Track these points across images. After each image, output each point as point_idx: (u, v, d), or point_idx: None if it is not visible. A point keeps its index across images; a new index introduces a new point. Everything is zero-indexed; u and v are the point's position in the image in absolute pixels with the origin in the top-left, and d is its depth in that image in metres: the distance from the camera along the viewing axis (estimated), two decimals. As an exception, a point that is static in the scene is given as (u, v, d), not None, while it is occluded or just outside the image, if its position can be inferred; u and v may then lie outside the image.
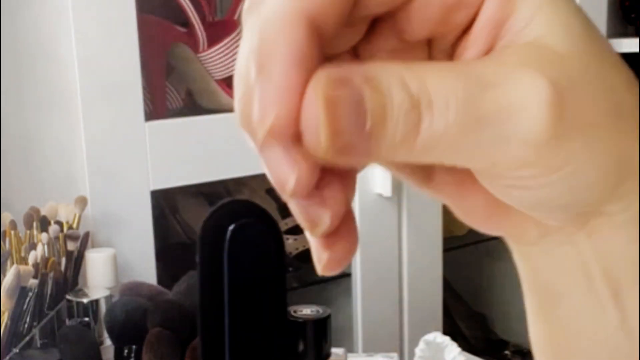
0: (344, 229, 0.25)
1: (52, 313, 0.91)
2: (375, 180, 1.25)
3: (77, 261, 0.97)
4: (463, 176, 0.27)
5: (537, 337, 0.30)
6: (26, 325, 0.86)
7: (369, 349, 1.28)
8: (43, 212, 0.97)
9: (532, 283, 0.29)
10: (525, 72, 0.23)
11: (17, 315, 0.84)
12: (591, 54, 0.24)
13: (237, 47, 1.18)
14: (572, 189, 0.24)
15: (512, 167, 0.24)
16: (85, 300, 0.89)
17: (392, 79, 0.22)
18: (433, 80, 0.23)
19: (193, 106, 1.24)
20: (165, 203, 1.35)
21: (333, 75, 0.22)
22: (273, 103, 0.22)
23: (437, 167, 0.28)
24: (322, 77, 0.22)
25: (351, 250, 0.25)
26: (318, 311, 0.76)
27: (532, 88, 0.23)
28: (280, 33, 0.22)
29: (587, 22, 0.25)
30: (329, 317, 0.76)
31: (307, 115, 0.22)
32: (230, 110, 1.01)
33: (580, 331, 0.28)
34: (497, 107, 0.23)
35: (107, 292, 0.92)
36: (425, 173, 0.28)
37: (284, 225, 1.36)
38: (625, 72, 0.25)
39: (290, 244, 1.34)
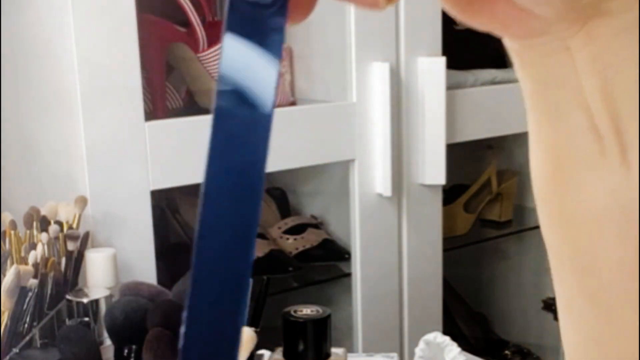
0: None
1: (52, 313, 0.91)
2: (375, 180, 1.25)
3: (77, 261, 0.97)
4: None
5: (535, 162, 0.28)
6: (26, 325, 0.86)
7: (369, 349, 1.28)
8: (43, 212, 0.97)
9: (531, 98, 0.27)
10: None
11: (17, 315, 0.84)
12: None
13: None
14: None
15: None
16: (85, 300, 0.89)
17: None
18: None
19: (193, 106, 1.24)
20: (165, 203, 1.35)
21: None
22: None
23: None
24: None
25: None
26: (318, 311, 0.76)
27: None
28: None
29: None
30: (329, 317, 0.76)
31: None
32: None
33: (576, 158, 0.26)
34: None
35: (107, 292, 0.91)
36: None
37: (283, 225, 1.36)
38: None
39: (291, 243, 1.34)
